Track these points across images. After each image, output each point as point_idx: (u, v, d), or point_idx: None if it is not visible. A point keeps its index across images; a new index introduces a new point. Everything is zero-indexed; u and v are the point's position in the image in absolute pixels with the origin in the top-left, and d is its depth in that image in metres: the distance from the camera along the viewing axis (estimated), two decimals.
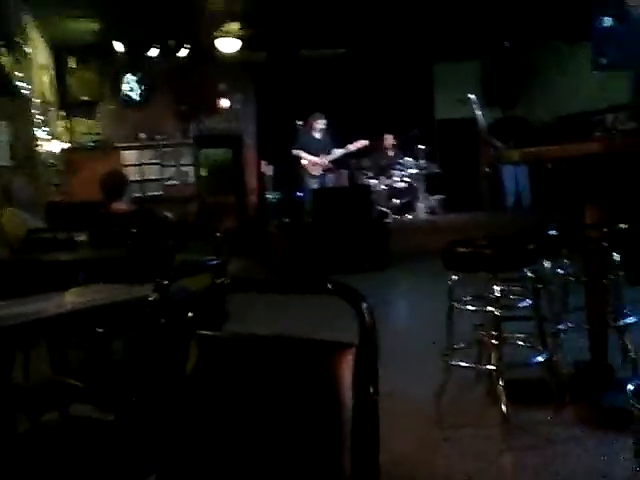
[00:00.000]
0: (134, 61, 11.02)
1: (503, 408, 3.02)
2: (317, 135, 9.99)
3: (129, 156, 11.58)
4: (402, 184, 11.10)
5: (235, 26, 9.92)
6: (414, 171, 11.21)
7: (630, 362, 3.39)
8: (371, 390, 1.15)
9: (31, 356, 3.61)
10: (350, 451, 1.12)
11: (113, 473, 1.84)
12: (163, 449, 1.34)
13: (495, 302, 3.14)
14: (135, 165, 11.55)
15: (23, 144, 7.52)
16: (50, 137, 9.00)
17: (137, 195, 10.40)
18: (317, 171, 9.96)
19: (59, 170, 9.64)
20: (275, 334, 1.29)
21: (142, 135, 11.67)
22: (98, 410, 2.22)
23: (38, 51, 8.93)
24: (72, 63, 10.80)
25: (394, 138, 11.46)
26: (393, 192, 11.05)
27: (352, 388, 1.14)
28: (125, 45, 10.03)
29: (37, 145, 7.95)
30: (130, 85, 11.67)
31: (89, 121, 11.39)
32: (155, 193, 11.57)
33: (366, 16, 9.55)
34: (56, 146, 9.52)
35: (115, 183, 5.07)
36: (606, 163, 3.23)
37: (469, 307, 3.38)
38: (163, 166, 11.85)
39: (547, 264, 3.36)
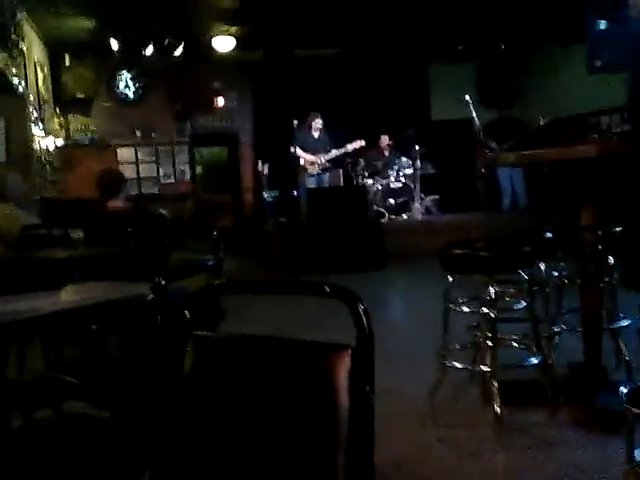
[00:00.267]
0: (130, 59, 10.98)
1: (497, 409, 3.04)
2: (315, 134, 9.99)
3: (125, 153, 11.57)
4: (398, 184, 11.12)
5: (231, 25, 9.90)
6: (410, 171, 11.23)
7: (624, 364, 3.41)
8: (367, 392, 1.15)
9: (26, 353, 3.60)
10: (345, 452, 1.12)
11: (107, 470, 1.84)
12: (157, 447, 1.34)
13: (490, 304, 3.15)
14: (131, 163, 11.53)
15: (18, 141, 7.50)
16: (45, 134, 8.98)
17: (133, 193, 10.38)
18: (315, 170, 9.97)
19: (54, 167, 9.61)
20: (271, 335, 1.29)
21: (138, 133, 11.65)
22: (92, 407, 2.22)
23: (33, 48, 8.90)
24: (67, 60, 10.76)
25: (390, 138, 11.48)
26: (389, 192, 11.07)
27: (348, 390, 1.14)
28: (121, 43, 10.00)
29: (32, 142, 7.93)
30: (126, 83, 11.64)
31: (84, 118, 11.35)
32: (151, 191, 11.56)
33: (362, 16, 9.55)
34: (51, 143, 9.49)
35: (112, 181, 5.07)
36: (601, 166, 3.24)
37: (464, 308, 3.39)
38: (159, 164, 11.84)
39: (542, 266, 3.36)
